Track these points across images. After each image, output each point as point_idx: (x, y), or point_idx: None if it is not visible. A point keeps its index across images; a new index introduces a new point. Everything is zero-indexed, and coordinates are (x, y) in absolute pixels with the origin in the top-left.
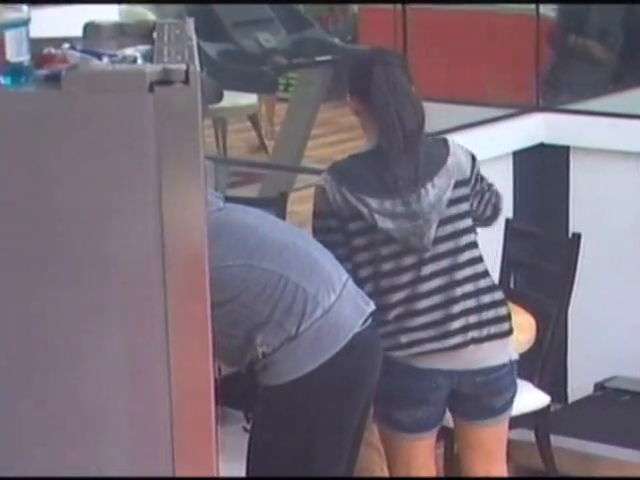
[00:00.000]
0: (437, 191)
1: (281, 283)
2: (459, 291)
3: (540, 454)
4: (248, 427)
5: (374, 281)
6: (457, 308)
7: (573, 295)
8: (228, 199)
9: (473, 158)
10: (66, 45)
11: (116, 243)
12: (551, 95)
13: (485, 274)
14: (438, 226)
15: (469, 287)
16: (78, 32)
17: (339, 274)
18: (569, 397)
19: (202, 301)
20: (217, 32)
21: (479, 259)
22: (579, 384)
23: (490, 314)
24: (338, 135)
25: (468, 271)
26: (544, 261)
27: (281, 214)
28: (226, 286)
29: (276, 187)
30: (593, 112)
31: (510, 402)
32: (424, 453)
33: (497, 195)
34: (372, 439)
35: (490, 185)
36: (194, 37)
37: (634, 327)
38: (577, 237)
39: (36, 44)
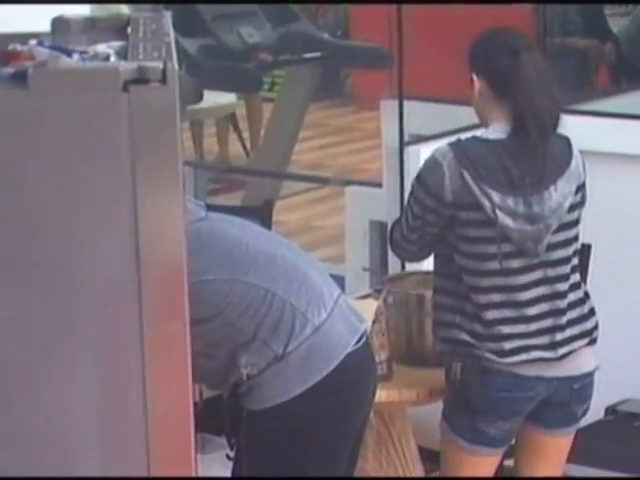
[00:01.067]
0: (558, 196)
1: (267, 299)
2: (565, 301)
3: None
4: (231, 455)
5: (474, 276)
6: (564, 318)
7: None
8: (208, 208)
9: (583, 161)
10: (33, 41)
11: (87, 255)
12: None
13: (582, 282)
14: (553, 232)
15: (572, 296)
16: (46, 27)
17: (330, 289)
18: None
19: (180, 318)
20: (197, 26)
21: (578, 267)
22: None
23: (591, 323)
24: (328, 138)
25: (572, 279)
26: None
27: (266, 224)
28: (207, 302)
29: (260, 195)
30: (604, 113)
31: (587, 410)
32: (489, 470)
33: None
34: (366, 467)
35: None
36: (172, 32)
37: None
38: (587, 248)
39: (0, 40)
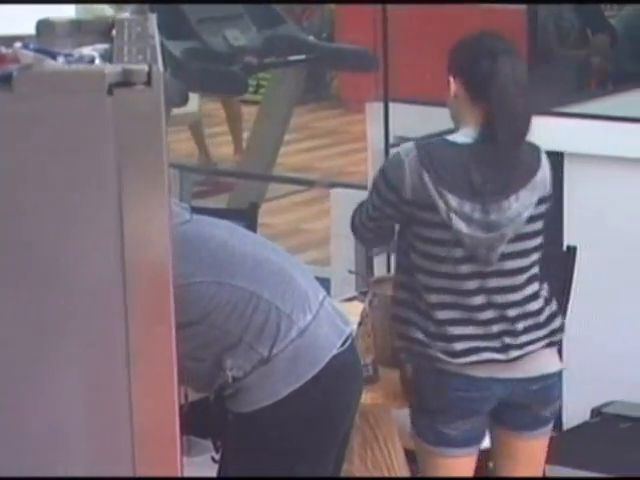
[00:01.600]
0: (519, 206)
1: (252, 302)
2: (517, 310)
3: None
4: (217, 458)
5: (428, 276)
6: (518, 325)
7: (568, 313)
8: (193, 210)
9: (552, 173)
10: (18, 44)
11: (72, 259)
12: None
13: (542, 287)
14: (509, 242)
15: (528, 307)
16: (31, 29)
17: (316, 292)
18: (564, 424)
19: (166, 321)
20: (182, 29)
21: (537, 276)
22: (575, 409)
23: (548, 329)
24: (314, 141)
25: (529, 289)
26: None
27: (252, 226)
28: (193, 305)
29: (246, 197)
30: (589, 115)
31: (556, 412)
32: (466, 471)
33: None
34: (352, 469)
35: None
36: (157, 35)
37: (635, 348)
38: (572, 250)
39: None
